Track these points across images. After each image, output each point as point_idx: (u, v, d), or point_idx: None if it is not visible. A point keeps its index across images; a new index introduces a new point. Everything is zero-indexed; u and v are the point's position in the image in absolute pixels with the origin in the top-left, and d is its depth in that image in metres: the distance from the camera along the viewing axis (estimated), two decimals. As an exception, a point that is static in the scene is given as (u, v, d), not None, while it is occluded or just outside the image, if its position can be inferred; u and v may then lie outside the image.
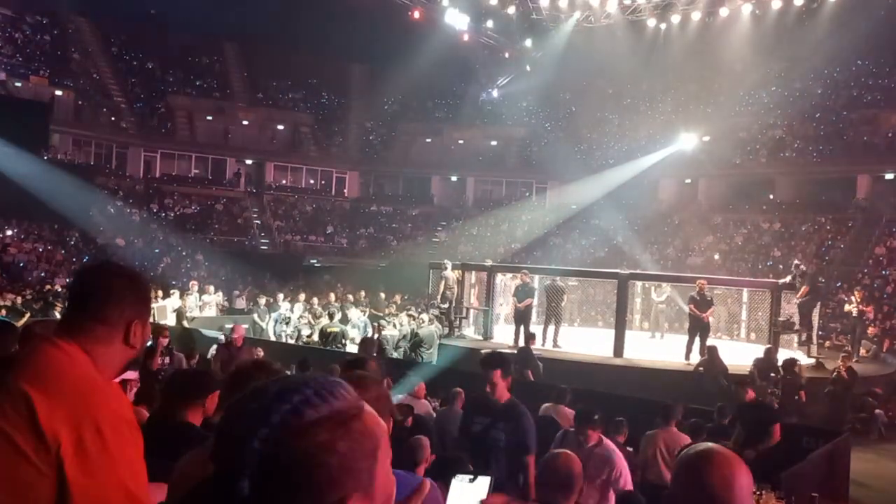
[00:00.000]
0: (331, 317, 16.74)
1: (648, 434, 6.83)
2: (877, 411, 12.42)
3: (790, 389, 11.00)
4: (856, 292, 16.19)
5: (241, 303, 22.99)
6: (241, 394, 0.97)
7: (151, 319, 1.95)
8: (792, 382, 11.08)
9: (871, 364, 15.99)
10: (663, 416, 6.90)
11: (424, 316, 16.97)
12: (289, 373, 9.39)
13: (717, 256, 28.36)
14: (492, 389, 4.76)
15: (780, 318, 14.03)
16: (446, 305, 16.16)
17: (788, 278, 14.35)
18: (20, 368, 1.64)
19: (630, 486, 5.22)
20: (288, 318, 18.13)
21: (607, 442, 5.43)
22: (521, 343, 14.40)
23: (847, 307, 15.71)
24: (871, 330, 19.11)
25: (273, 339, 17.19)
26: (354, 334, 16.07)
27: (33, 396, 1.56)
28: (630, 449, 6.96)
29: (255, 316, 18.18)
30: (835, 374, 12.51)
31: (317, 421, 0.90)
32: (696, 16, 25.77)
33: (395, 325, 16.67)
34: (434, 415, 7.74)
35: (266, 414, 0.90)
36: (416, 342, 14.71)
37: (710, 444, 1.73)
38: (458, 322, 16.36)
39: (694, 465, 1.66)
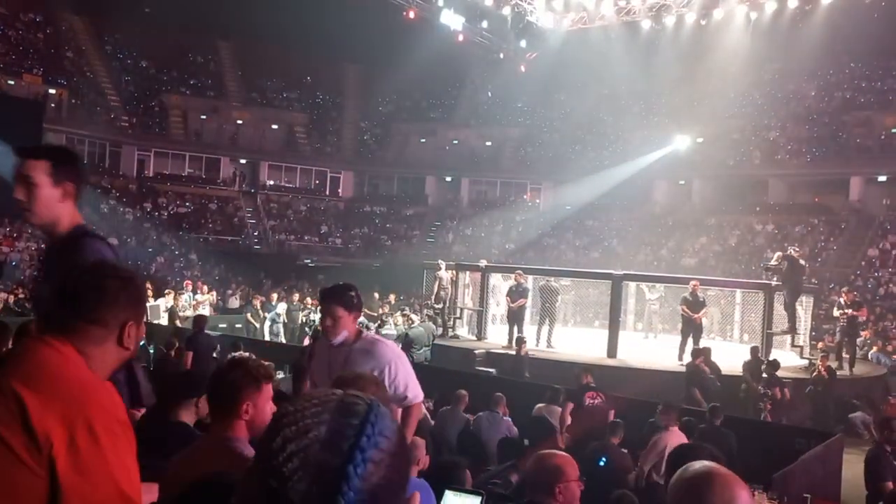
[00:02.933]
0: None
1: (654, 438, 6.84)
2: (851, 415, 12.39)
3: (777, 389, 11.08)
4: (844, 295, 15.29)
5: (234, 302, 22.96)
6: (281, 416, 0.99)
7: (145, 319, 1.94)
8: (777, 382, 11.16)
9: (862, 365, 16.03)
10: (664, 418, 6.90)
11: (415, 316, 16.95)
12: (281, 374, 9.26)
13: (710, 256, 28.42)
14: (29, 197, 2.72)
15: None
16: (440, 306, 16.17)
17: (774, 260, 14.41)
18: (12, 367, 1.63)
19: (417, 397, 3.89)
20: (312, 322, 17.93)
21: (369, 336, 3.95)
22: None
23: (836, 312, 14.99)
24: (865, 333, 19.14)
25: (268, 338, 17.17)
26: None
27: (25, 396, 1.56)
28: (625, 451, 6.97)
29: (249, 315, 18.16)
30: (815, 373, 12.54)
31: (387, 462, 0.96)
32: (690, 18, 25.77)
33: (393, 325, 16.57)
34: (428, 415, 7.74)
35: (347, 464, 0.93)
36: (406, 342, 14.70)
37: (707, 464, 1.72)
38: (452, 322, 16.36)
39: (695, 487, 1.65)
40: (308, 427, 0.94)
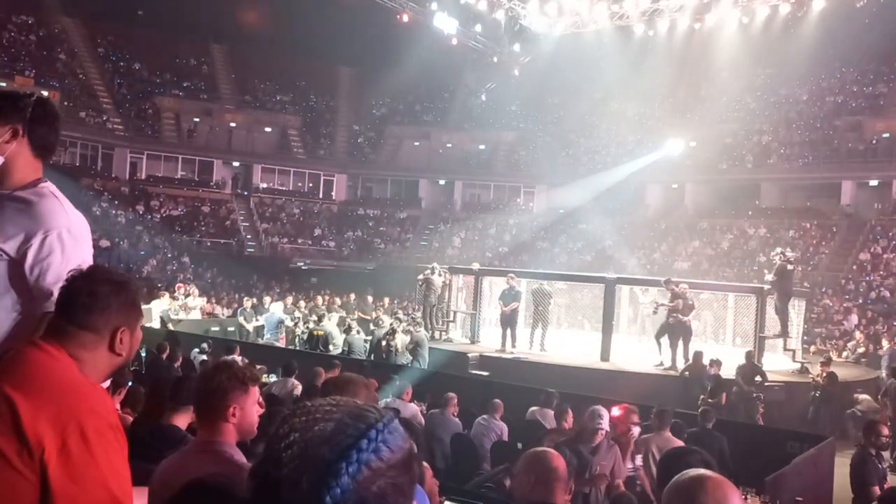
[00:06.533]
0: (320, 319, 16.68)
1: (641, 438, 6.83)
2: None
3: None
4: (665, 284, 13.48)
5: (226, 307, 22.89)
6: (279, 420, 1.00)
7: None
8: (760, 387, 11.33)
9: (855, 368, 16.10)
10: (658, 421, 6.90)
11: (402, 317, 16.85)
12: (273, 376, 9.24)
13: (703, 260, 28.50)
14: None
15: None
16: (424, 306, 16.12)
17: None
18: (3, 372, 1.63)
19: None
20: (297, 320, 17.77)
21: (46, 187, 2.44)
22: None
23: (655, 305, 13.88)
24: (858, 336, 19.27)
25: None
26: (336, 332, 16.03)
27: (17, 400, 1.55)
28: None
29: (241, 318, 18.10)
30: (814, 380, 12.56)
31: (385, 473, 0.96)
32: (683, 22, 25.90)
33: (409, 331, 15.78)
34: (422, 419, 7.73)
35: (340, 460, 0.94)
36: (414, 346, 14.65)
37: (700, 470, 1.74)
38: (445, 326, 16.35)
39: (687, 490, 1.67)
40: (316, 422, 0.97)
